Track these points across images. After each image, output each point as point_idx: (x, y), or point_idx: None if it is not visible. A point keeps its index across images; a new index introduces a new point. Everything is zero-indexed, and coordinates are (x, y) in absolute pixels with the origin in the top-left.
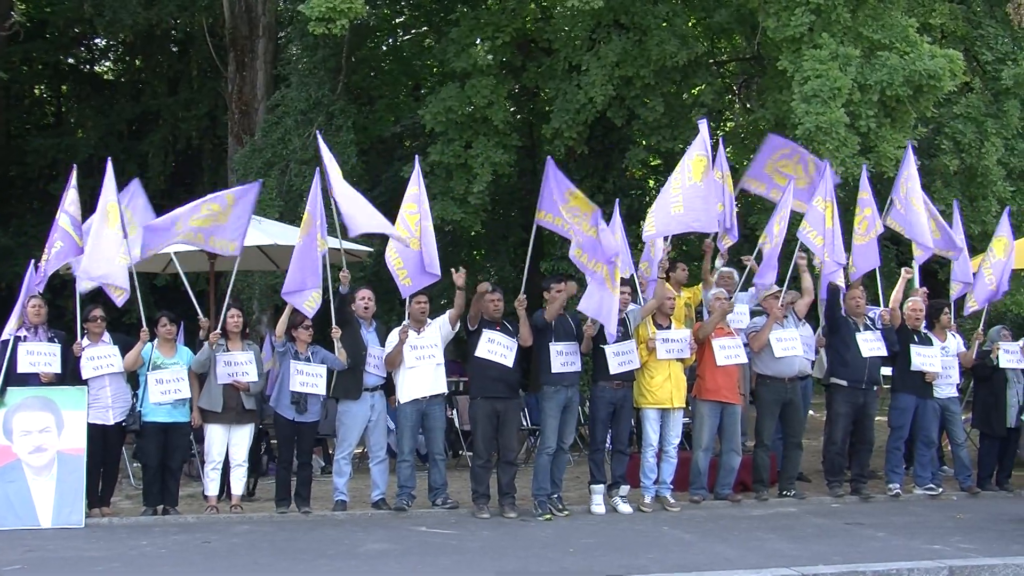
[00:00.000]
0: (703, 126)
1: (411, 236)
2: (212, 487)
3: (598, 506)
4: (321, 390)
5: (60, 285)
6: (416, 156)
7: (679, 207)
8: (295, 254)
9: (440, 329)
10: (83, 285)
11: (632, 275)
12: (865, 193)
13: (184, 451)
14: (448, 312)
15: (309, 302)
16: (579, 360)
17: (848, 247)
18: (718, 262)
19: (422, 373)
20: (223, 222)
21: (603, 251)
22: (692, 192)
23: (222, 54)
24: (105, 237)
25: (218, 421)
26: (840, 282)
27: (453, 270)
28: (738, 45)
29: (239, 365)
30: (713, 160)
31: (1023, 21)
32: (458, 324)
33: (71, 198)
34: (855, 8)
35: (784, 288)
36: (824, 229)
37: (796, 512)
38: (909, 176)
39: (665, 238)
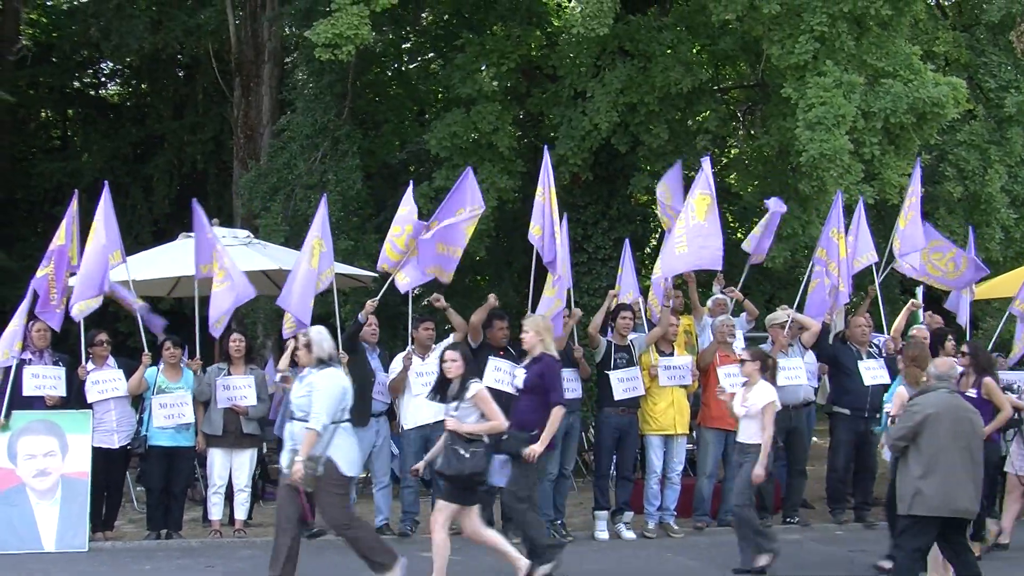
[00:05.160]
0: (706, 164)
1: (404, 255)
2: (215, 511)
3: (602, 532)
4: None
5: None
6: (411, 182)
7: (683, 247)
8: (302, 281)
9: None
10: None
11: (636, 299)
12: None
13: (187, 475)
14: (451, 336)
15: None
16: (579, 386)
17: None
18: (715, 288)
19: (427, 399)
20: None
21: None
22: (696, 231)
23: (228, 79)
24: (92, 255)
25: (219, 445)
26: (839, 314)
27: (433, 298)
28: (742, 72)
29: (238, 389)
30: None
31: None
32: None
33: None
34: (859, 36)
35: (791, 316)
36: (839, 260)
37: (800, 539)
38: (913, 192)
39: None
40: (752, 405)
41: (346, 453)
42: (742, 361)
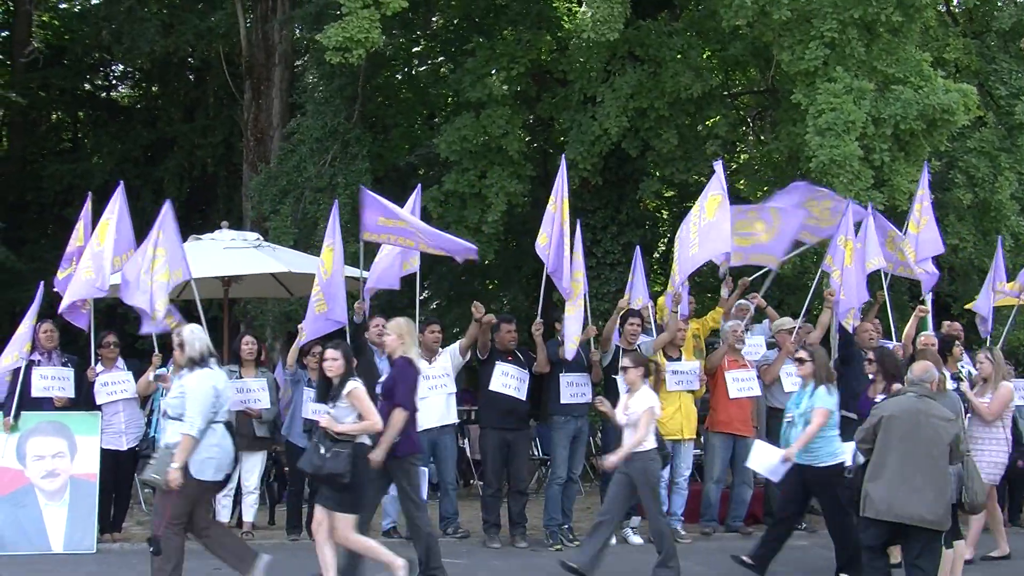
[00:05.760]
0: (719, 167)
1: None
2: (224, 513)
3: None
4: None
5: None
6: (419, 186)
7: (695, 248)
8: (329, 287)
9: (451, 358)
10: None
11: (647, 305)
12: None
13: None
14: (459, 341)
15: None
16: (589, 391)
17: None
18: (723, 292)
19: (434, 403)
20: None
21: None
22: (706, 229)
23: (238, 82)
24: (97, 254)
25: None
26: (848, 322)
27: (473, 306)
28: (752, 78)
29: (251, 392)
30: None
31: None
32: (468, 353)
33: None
34: (869, 42)
35: (799, 322)
36: (844, 267)
37: (807, 545)
38: (923, 197)
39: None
40: (633, 412)
41: (201, 453)
42: (623, 368)
